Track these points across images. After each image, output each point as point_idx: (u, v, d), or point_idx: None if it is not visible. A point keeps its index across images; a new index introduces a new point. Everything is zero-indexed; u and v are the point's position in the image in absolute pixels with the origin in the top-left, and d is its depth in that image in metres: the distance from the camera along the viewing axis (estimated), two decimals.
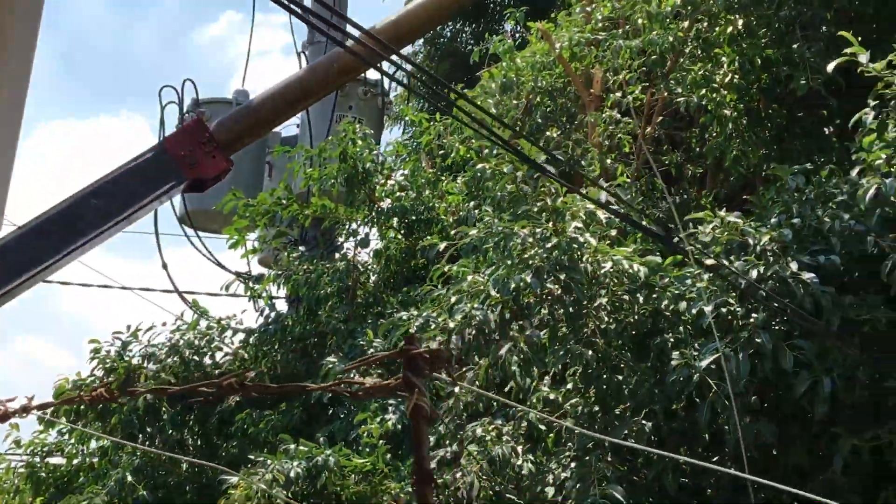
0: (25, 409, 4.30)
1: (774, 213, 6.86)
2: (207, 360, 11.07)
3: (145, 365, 10.80)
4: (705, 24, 8.99)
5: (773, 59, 8.41)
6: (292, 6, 3.77)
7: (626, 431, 6.69)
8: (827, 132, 8.74)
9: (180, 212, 13.45)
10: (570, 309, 7.05)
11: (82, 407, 10.04)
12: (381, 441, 8.37)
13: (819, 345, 6.19)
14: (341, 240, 11.68)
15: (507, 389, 7.59)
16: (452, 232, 8.56)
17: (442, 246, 8.24)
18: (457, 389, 7.81)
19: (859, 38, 7.39)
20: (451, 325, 7.38)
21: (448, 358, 3.71)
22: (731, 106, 8.76)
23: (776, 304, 6.30)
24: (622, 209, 7.59)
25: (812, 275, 6.27)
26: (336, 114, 13.07)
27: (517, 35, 12.60)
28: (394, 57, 4.44)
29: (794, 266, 6.30)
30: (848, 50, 6.25)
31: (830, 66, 6.60)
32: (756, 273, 6.38)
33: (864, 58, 6.16)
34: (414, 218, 10.75)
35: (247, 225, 11.08)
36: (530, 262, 6.98)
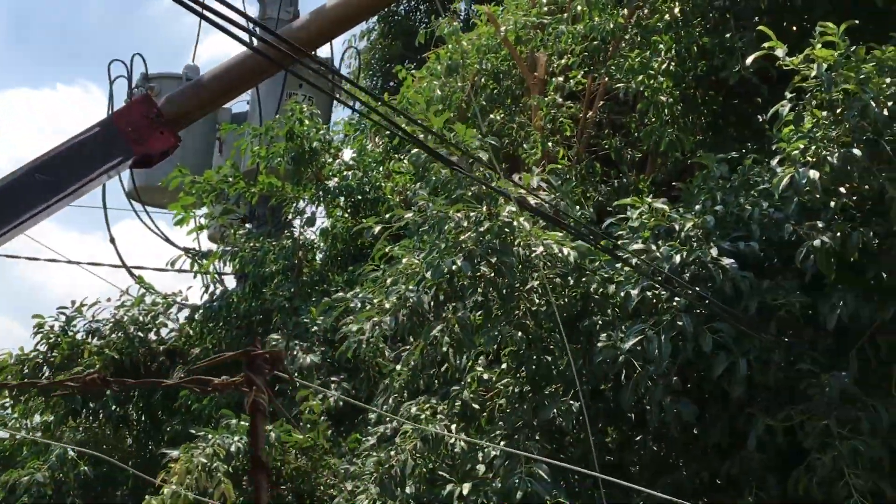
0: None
1: (699, 200, 7.04)
2: (153, 336, 11.17)
3: (90, 340, 10.88)
4: (645, 11, 9.13)
5: (708, 47, 8.55)
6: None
7: (554, 411, 6.86)
8: (760, 119, 8.85)
9: (128, 187, 13.44)
10: (503, 291, 7.21)
11: (24, 380, 10.08)
12: (321, 418, 8.52)
13: (736, 328, 6.38)
14: (289, 218, 11.73)
15: (443, 370, 7.77)
16: (388, 215, 8.65)
17: (377, 228, 8.34)
18: (398, 367, 7.96)
19: (794, 28, 7.62)
20: (387, 305, 7.54)
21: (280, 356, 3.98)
22: (668, 92, 8.89)
23: (697, 289, 6.51)
24: (554, 194, 7.72)
25: (732, 260, 6.46)
26: (286, 91, 13.11)
27: (469, 15, 12.67)
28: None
29: (714, 252, 6.49)
30: (766, 44, 6.41)
31: (749, 60, 6.78)
32: (679, 258, 6.56)
33: (780, 52, 6.31)
34: (360, 197, 10.86)
35: (193, 201, 11.10)
36: (463, 245, 7.13)
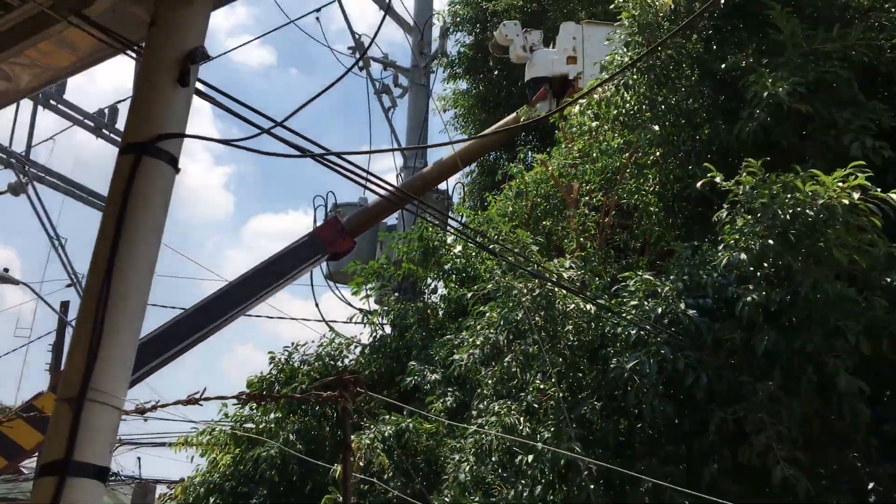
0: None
1: (674, 273, 6.99)
2: (339, 364, 11.38)
3: (302, 367, 11.13)
4: (639, 154, 9.12)
5: (680, 175, 8.49)
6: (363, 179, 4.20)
7: (585, 408, 6.81)
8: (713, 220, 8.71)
9: (325, 272, 13.87)
10: (549, 333, 7.21)
11: (263, 392, 10.33)
12: (442, 413, 8.56)
13: (699, 355, 6.30)
14: (421, 289, 11.87)
15: (514, 382, 7.74)
16: (475, 287, 8.72)
17: (469, 294, 8.44)
18: (487, 381, 7.94)
19: (732, 161, 7.50)
20: (478, 342, 7.60)
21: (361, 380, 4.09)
22: (655, 205, 8.85)
23: (673, 330, 6.44)
24: (581, 271, 7.70)
25: (694, 311, 6.41)
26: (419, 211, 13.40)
27: (530, 160, 12.74)
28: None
29: (683, 306, 6.44)
30: (710, 174, 6.38)
31: (699, 184, 6.72)
32: (660, 310, 6.52)
33: (719, 178, 6.29)
34: (464, 275, 10.95)
35: (361, 281, 11.39)
36: (523, 303, 7.18)
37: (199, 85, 2.76)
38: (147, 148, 2.50)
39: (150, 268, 2.54)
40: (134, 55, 2.76)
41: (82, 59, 3.42)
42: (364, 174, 4.20)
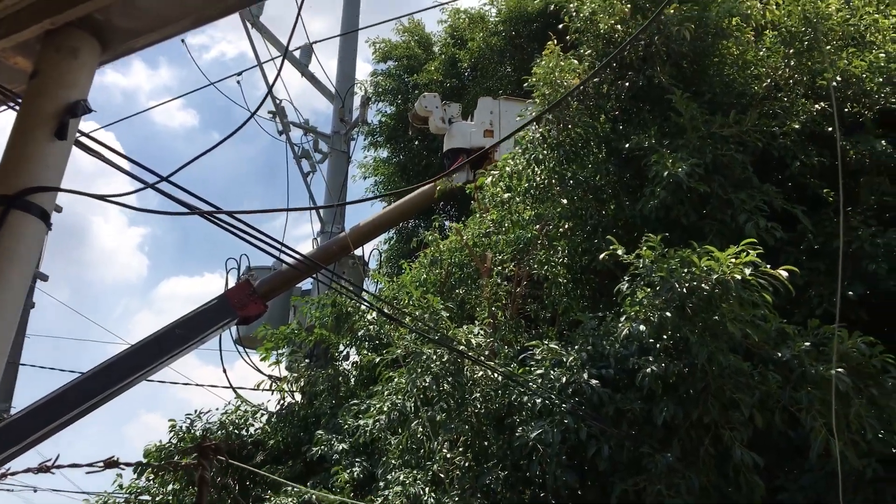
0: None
1: (578, 342, 7.07)
2: (244, 432, 11.01)
3: (206, 436, 10.70)
4: (549, 226, 9.30)
5: (587, 248, 8.69)
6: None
7: (490, 477, 6.75)
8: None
9: (235, 336, 13.52)
10: (457, 400, 7.16)
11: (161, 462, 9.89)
12: (347, 485, 8.33)
13: (601, 425, 6.34)
14: (333, 356, 11.68)
15: (420, 451, 7.62)
16: (384, 351, 8.64)
17: (377, 359, 8.35)
18: (392, 448, 7.80)
19: (635, 235, 7.70)
20: (385, 408, 7.48)
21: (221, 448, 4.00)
22: (563, 276, 8.99)
23: (576, 399, 6.48)
24: (490, 339, 7.73)
25: (597, 381, 6.48)
26: (334, 276, 13.30)
27: (445, 229, 12.87)
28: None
29: (586, 376, 6.51)
30: (612, 247, 6.55)
31: (601, 256, 6.89)
32: (565, 379, 6.57)
33: (621, 251, 6.46)
34: (377, 342, 10.83)
35: (271, 346, 11.15)
36: (431, 370, 7.13)
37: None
38: (15, 201, 2.40)
39: (11, 324, 2.41)
40: (15, 107, 2.68)
41: None
42: (267, 238, 4.16)
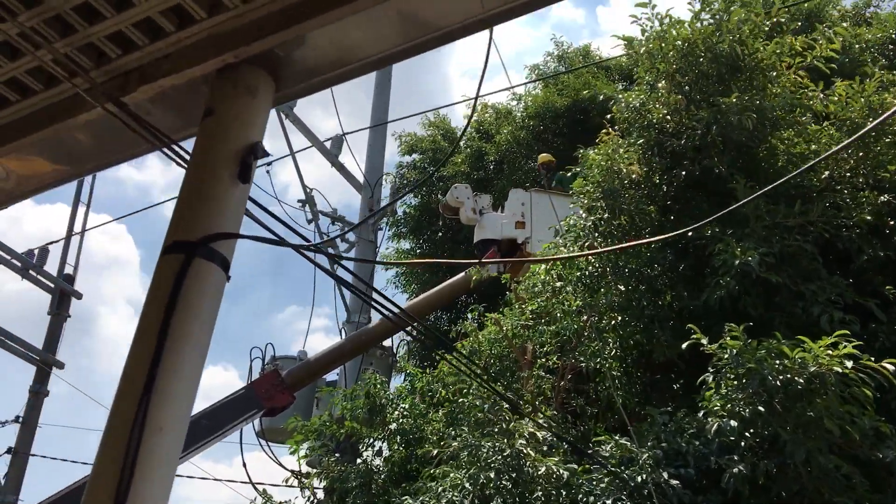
0: None
1: (649, 439, 6.63)
2: None
3: None
4: (595, 317, 8.97)
5: (640, 340, 8.35)
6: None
7: None
8: (675, 386, 8.50)
9: (257, 428, 12.92)
10: (517, 498, 6.67)
11: None
12: None
13: None
14: (363, 450, 11.14)
15: None
16: (441, 443, 8.15)
17: (434, 451, 7.87)
18: None
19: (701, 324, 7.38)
20: None
21: None
22: (615, 369, 8.60)
23: (652, 501, 6.00)
24: (552, 432, 7.30)
25: (677, 482, 6.02)
26: (362, 367, 12.89)
27: (484, 319, 12.56)
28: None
29: (665, 475, 6.06)
30: (694, 336, 6.21)
31: (684, 345, 6.53)
32: (640, 479, 6.11)
33: (705, 340, 6.11)
34: (410, 437, 10.34)
35: (301, 438, 10.62)
36: (492, 464, 6.67)
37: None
38: (198, 248, 2.10)
39: (194, 387, 2.07)
40: (170, 153, 2.41)
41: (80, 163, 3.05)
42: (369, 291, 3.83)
